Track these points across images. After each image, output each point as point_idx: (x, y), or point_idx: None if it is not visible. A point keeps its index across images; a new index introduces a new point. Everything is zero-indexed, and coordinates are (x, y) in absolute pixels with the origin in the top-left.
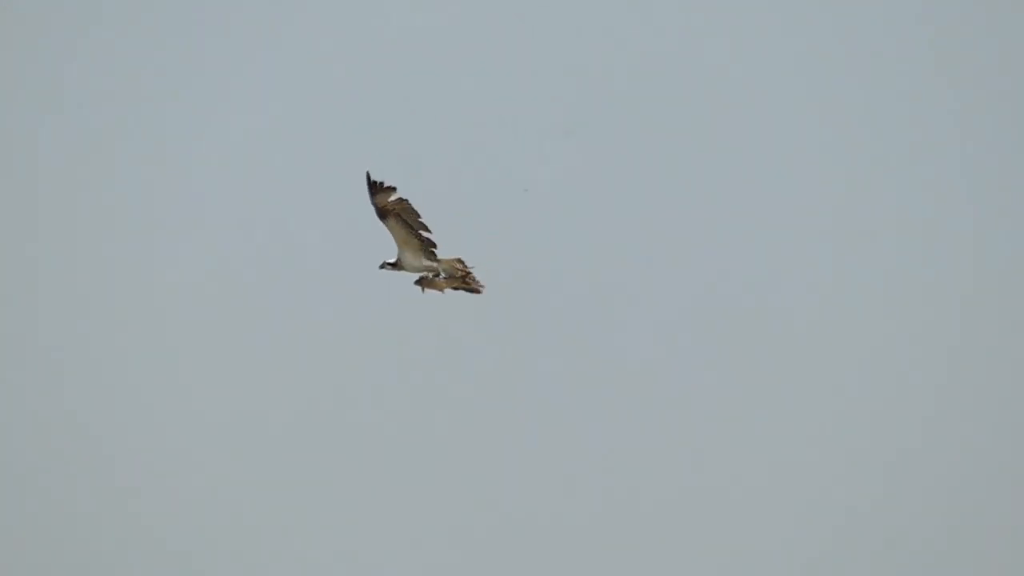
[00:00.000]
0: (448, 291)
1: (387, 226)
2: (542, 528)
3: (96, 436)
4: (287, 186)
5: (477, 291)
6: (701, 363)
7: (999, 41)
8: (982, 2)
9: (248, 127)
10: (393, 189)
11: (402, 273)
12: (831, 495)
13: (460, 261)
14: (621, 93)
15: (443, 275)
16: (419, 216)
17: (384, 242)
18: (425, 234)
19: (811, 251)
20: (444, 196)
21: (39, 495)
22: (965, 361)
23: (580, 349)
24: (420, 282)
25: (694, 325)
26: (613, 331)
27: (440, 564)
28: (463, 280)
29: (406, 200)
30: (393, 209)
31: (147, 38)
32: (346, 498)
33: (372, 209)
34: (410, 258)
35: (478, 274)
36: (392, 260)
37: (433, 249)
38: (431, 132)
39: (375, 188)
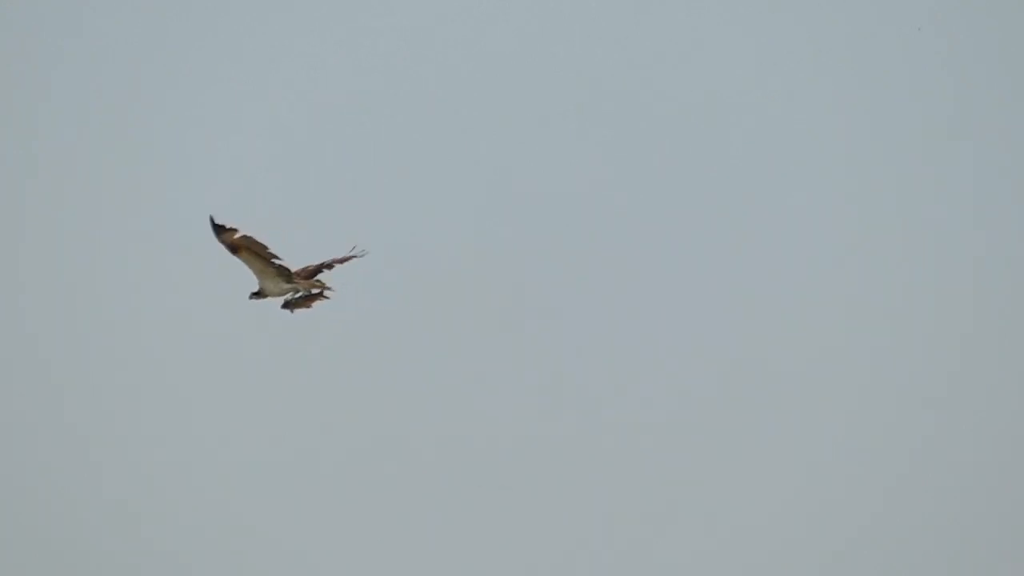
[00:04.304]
0: (315, 305)
1: (242, 260)
2: None
3: (86, 444)
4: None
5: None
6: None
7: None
8: (991, 6)
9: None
10: (235, 230)
11: (269, 300)
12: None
13: (318, 281)
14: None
15: (302, 294)
16: (267, 247)
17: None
18: (277, 261)
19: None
20: (440, 210)
21: (33, 500)
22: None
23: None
24: (287, 306)
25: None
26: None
27: None
28: (322, 294)
29: (249, 236)
30: (241, 244)
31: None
32: (338, 546)
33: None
34: (270, 286)
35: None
36: (256, 290)
37: (288, 273)
38: (433, 140)
39: (219, 230)
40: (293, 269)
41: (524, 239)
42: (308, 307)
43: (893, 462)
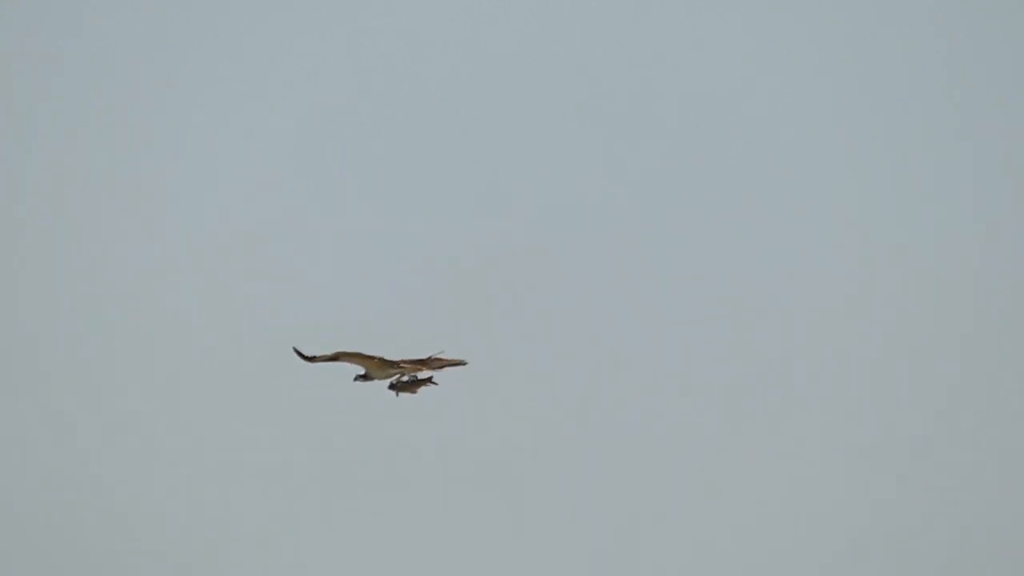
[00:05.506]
0: (421, 390)
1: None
2: None
3: (86, 442)
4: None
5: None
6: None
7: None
8: (991, 8)
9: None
10: (314, 357)
11: (375, 382)
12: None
13: (423, 364)
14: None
15: (409, 378)
16: (362, 353)
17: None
18: (378, 356)
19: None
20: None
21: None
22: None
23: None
24: (393, 387)
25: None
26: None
27: None
28: (430, 379)
29: (345, 352)
30: (335, 358)
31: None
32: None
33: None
34: (377, 372)
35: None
36: (362, 372)
37: (391, 361)
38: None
39: (303, 357)
40: (396, 359)
41: (524, 239)
42: (414, 392)
43: (893, 462)
